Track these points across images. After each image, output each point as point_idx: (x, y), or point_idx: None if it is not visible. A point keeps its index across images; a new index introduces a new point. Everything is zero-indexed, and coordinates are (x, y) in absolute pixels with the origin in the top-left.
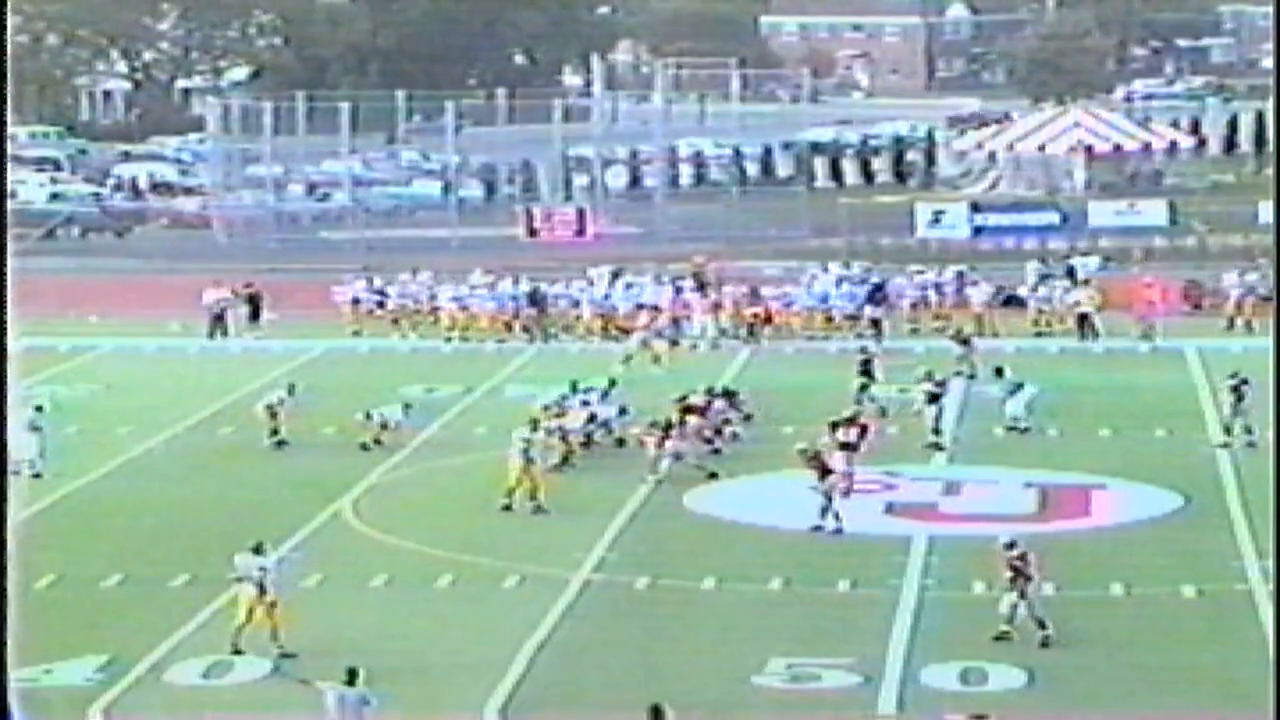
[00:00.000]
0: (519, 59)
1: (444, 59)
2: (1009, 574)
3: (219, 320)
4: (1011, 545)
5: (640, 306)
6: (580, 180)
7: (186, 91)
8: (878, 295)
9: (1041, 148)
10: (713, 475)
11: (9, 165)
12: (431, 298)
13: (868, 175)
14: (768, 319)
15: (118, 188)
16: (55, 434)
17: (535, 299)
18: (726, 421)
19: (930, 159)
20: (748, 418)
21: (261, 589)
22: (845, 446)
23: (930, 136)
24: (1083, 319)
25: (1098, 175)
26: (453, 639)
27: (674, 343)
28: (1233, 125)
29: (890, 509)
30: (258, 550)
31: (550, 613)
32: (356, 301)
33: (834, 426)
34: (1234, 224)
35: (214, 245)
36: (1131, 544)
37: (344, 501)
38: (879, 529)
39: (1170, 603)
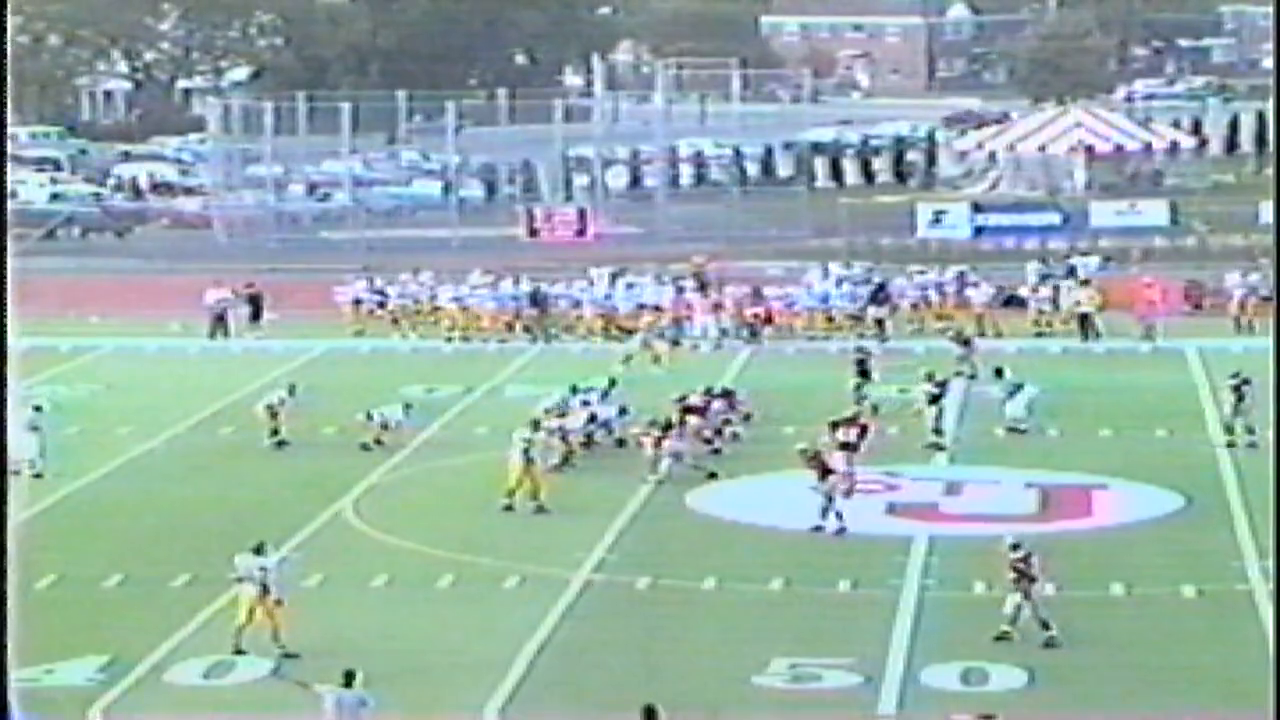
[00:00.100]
0: (520, 59)
1: (444, 59)
2: (1013, 575)
3: (220, 320)
4: (1016, 546)
5: (641, 307)
6: (581, 180)
7: (187, 91)
8: (881, 295)
9: (1042, 148)
10: (712, 475)
11: (9, 165)
12: (432, 298)
13: (868, 175)
14: (769, 319)
15: (118, 188)
16: (56, 434)
17: (536, 299)
18: (727, 421)
19: (931, 159)
20: (747, 418)
21: (264, 589)
22: (845, 446)
23: (931, 136)
24: (1083, 319)
25: (1098, 175)
26: (453, 639)
27: (675, 343)
28: (1234, 125)
29: (891, 509)
30: (258, 550)
31: (551, 613)
32: (358, 302)
33: (834, 426)
34: (1235, 224)
35: (214, 245)
36: (1132, 544)
37: (344, 502)
38: (880, 529)
39: (1171, 603)
